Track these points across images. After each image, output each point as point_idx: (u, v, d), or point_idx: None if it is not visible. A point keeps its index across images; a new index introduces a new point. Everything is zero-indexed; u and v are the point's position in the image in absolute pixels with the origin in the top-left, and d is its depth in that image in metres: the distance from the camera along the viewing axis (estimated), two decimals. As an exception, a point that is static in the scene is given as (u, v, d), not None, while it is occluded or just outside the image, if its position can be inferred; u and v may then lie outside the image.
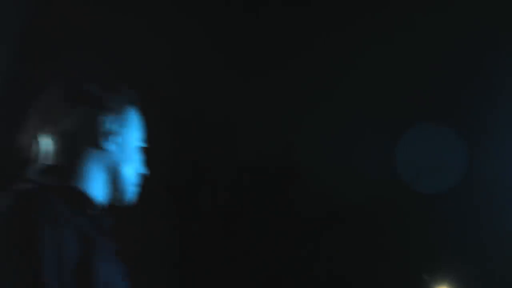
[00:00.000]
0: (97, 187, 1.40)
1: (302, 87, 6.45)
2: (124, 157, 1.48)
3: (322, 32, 6.18)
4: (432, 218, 8.20)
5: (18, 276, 1.12)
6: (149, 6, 5.46)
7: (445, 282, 8.87)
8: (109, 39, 5.38)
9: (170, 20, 5.51)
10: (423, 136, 7.27)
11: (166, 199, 6.14)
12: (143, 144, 1.56)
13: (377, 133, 7.20)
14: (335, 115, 6.72)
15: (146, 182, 1.58)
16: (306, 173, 6.35)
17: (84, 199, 1.35)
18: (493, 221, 7.82)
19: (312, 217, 7.42)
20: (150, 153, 1.59)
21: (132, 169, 1.50)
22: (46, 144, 1.45)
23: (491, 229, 7.91)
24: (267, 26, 6.00)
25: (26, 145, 1.50)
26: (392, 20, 6.46)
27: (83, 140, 1.44)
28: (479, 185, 7.62)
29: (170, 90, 5.65)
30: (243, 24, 5.87)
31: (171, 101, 5.63)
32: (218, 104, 6.33)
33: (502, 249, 7.98)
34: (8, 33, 4.69)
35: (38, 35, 5.14)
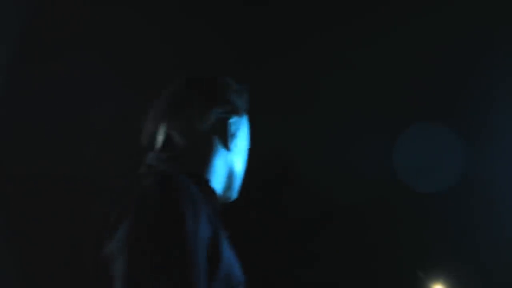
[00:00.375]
0: (216, 182, 1.45)
1: (299, 86, 6.48)
2: (239, 157, 1.55)
3: (319, 31, 6.18)
4: (428, 217, 8.22)
5: (168, 247, 1.16)
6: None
7: (440, 280, 8.90)
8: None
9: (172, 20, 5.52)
10: (420, 136, 7.28)
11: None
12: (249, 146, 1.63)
13: (374, 133, 7.21)
14: (332, 115, 6.72)
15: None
16: (301, 172, 6.37)
17: (210, 189, 1.40)
18: (488, 221, 7.85)
19: (307, 216, 7.45)
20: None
21: (241, 169, 1.57)
22: (173, 134, 1.48)
23: (485, 228, 7.95)
24: (263, 25, 6.00)
25: (153, 134, 1.53)
26: (392, 19, 6.46)
27: (211, 137, 1.48)
28: (474, 185, 7.65)
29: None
30: (238, 23, 5.88)
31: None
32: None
33: (496, 248, 8.01)
34: (8, 33, 4.72)
35: (39, 35, 5.15)
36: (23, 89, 5.55)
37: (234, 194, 1.51)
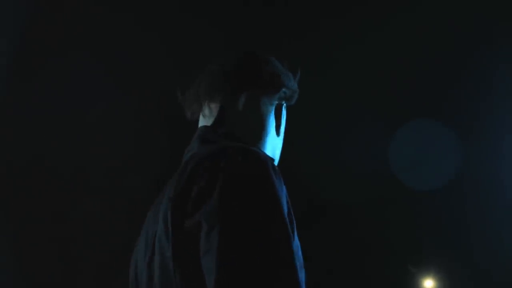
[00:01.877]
0: None
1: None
2: (281, 144, 1.53)
3: (313, 28, 6.19)
4: (419, 213, 8.22)
5: (266, 224, 1.11)
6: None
7: (430, 274, 8.95)
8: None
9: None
10: (415, 133, 7.25)
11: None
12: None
13: (367, 130, 7.18)
14: (325, 112, 6.71)
15: None
16: (293, 169, 6.40)
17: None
18: (481, 217, 7.84)
19: (298, 213, 7.47)
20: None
21: (278, 157, 1.56)
22: (229, 111, 1.47)
23: (477, 224, 7.95)
24: (259, 24, 6.00)
25: (201, 106, 1.52)
26: (386, 15, 6.43)
27: (267, 121, 1.48)
28: (468, 182, 7.62)
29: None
30: (236, 23, 5.90)
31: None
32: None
33: (488, 244, 8.03)
34: (8, 33, 4.76)
35: (38, 35, 5.19)
36: (21, 88, 5.60)
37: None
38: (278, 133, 1.51)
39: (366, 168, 7.33)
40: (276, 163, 1.46)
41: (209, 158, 1.20)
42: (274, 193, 1.14)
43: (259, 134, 1.47)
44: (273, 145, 1.50)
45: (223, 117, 1.46)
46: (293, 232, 1.18)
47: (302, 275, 1.22)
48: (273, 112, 1.51)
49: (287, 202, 1.21)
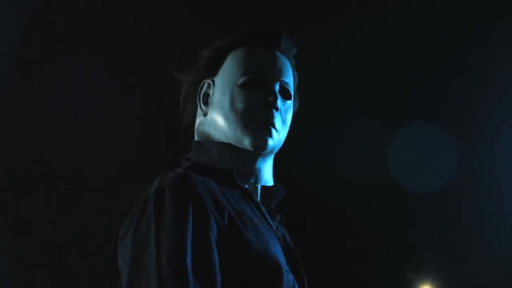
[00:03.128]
0: (221, 155, 1.36)
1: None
2: (220, 110, 1.40)
3: (312, 26, 6.17)
4: (416, 217, 8.21)
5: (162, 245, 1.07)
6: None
7: (428, 280, 8.94)
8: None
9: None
10: (412, 136, 7.24)
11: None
12: None
13: (364, 133, 7.17)
14: (321, 114, 6.70)
15: None
16: (287, 172, 6.34)
17: (222, 172, 1.30)
18: (477, 222, 7.83)
19: (293, 216, 7.45)
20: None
21: (233, 115, 1.43)
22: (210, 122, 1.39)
23: (474, 229, 7.94)
24: (256, 20, 5.97)
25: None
26: (384, 16, 6.42)
27: (195, 112, 1.43)
28: (464, 186, 7.61)
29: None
30: (235, 22, 5.90)
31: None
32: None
33: (485, 249, 8.02)
34: (8, 33, 4.75)
35: (37, 35, 5.18)
36: (21, 88, 5.59)
37: (251, 142, 1.33)
38: (203, 113, 1.41)
39: (363, 170, 7.32)
40: (232, 130, 1.34)
41: (142, 192, 1.22)
42: (180, 236, 1.09)
43: (199, 134, 1.41)
44: (211, 127, 1.38)
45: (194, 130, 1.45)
46: (241, 242, 1.15)
47: (289, 276, 1.19)
48: (197, 98, 1.43)
49: (240, 218, 1.17)
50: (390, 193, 7.51)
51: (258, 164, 1.35)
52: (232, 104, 1.34)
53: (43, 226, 6.14)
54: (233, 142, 1.33)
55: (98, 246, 6.05)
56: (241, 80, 1.36)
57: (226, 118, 1.35)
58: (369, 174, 7.28)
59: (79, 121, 5.82)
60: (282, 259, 1.20)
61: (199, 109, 1.41)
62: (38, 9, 5.09)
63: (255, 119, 1.33)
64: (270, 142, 1.33)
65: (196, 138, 1.41)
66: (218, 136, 1.35)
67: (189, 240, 1.08)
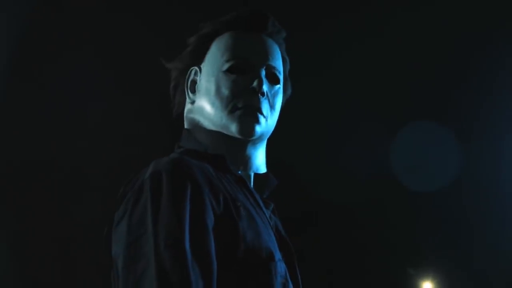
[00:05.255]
0: (208, 139, 1.33)
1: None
2: (208, 96, 1.36)
3: (314, 25, 6.15)
4: (419, 215, 8.20)
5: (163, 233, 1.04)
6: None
7: (429, 277, 8.94)
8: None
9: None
10: (415, 135, 7.23)
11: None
12: None
13: (367, 131, 7.16)
14: (324, 113, 6.69)
15: None
16: (291, 170, 6.36)
17: (214, 158, 1.26)
18: (480, 219, 7.82)
19: (296, 215, 7.48)
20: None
21: (218, 100, 1.39)
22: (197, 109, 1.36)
23: (476, 226, 7.93)
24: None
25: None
26: (387, 16, 6.40)
27: (183, 99, 1.40)
28: (467, 184, 7.60)
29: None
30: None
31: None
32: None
33: (486, 246, 8.02)
34: (8, 32, 4.76)
35: (37, 35, 5.19)
36: (21, 87, 5.60)
37: (238, 128, 1.29)
38: (190, 100, 1.37)
39: (366, 169, 7.31)
40: (218, 115, 1.31)
41: (136, 178, 1.18)
42: (178, 219, 1.05)
43: (189, 123, 1.37)
44: (200, 114, 1.34)
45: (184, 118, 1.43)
46: (235, 233, 1.11)
47: (282, 265, 1.17)
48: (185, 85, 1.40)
49: (233, 204, 1.14)
50: (393, 191, 7.50)
51: (248, 151, 1.32)
52: (218, 90, 1.31)
53: (46, 222, 6.15)
54: (220, 129, 1.30)
55: (101, 240, 6.07)
56: (226, 66, 1.32)
57: (212, 105, 1.32)
58: (374, 173, 7.27)
59: (81, 118, 5.83)
60: (274, 248, 1.18)
61: (187, 97, 1.38)
62: (39, 8, 5.10)
63: (241, 105, 1.29)
64: (258, 128, 1.29)
65: (186, 126, 1.38)
66: (207, 124, 1.32)
67: (187, 225, 1.05)
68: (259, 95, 1.30)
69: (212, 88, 1.32)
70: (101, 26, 5.49)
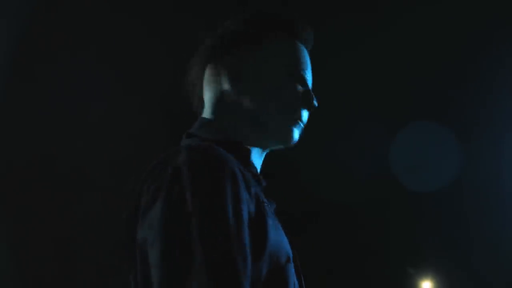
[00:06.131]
0: (239, 135, 1.27)
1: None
2: (256, 93, 1.31)
3: (315, 25, 6.15)
4: (418, 215, 8.21)
5: (208, 228, 1.00)
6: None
7: (428, 276, 8.96)
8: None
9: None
10: (415, 135, 7.23)
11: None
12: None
13: (367, 131, 7.16)
14: (324, 113, 6.70)
15: None
16: (291, 170, 6.35)
17: (247, 154, 1.24)
18: (480, 219, 7.83)
19: (297, 214, 7.48)
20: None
21: (269, 105, 1.33)
22: (205, 95, 1.32)
23: (476, 226, 7.94)
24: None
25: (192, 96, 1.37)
26: (388, 17, 6.40)
27: (216, 88, 1.32)
28: (468, 184, 7.60)
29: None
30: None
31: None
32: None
33: (487, 246, 8.02)
34: (8, 32, 4.76)
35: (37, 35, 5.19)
36: (21, 87, 5.60)
37: (285, 137, 1.28)
38: (235, 90, 1.29)
39: (366, 169, 7.32)
40: (263, 118, 1.27)
41: (160, 163, 1.11)
42: (221, 206, 1.02)
43: (219, 111, 1.30)
44: (238, 106, 1.29)
45: (201, 103, 1.35)
46: (264, 232, 1.08)
47: (290, 268, 1.14)
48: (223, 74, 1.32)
49: (259, 201, 1.12)
50: (393, 191, 7.50)
51: (264, 155, 1.32)
52: (277, 93, 1.28)
53: (46, 222, 6.15)
54: (259, 127, 1.27)
55: (102, 240, 6.08)
56: (291, 72, 1.30)
57: (263, 103, 1.28)
58: (374, 173, 7.28)
59: (82, 117, 5.83)
60: (289, 248, 1.17)
61: (223, 83, 1.31)
62: (39, 7, 5.10)
63: (297, 117, 1.29)
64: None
65: (209, 114, 1.31)
66: (244, 117, 1.27)
67: (230, 219, 1.02)
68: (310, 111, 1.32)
69: (270, 88, 1.28)
70: (101, 26, 5.50)
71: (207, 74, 1.33)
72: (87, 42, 5.53)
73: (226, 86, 1.30)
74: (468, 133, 7.17)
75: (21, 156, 5.84)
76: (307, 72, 1.33)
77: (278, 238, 1.13)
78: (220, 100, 1.30)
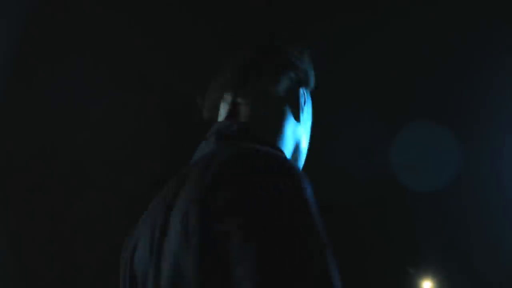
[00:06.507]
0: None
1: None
2: (306, 131, 1.41)
3: (313, 25, 6.17)
4: (418, 214, 8.22)
5: (302, 239, 1.00)
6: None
7: (429, 275, 8.95)
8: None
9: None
10: (415, 135, 7.24)
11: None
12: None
13: (367, 131, 7.18)
14: (324, 113, 6.70)
15: None
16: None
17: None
18: (480, 219, 7.83)
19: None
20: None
21: (306, 146, 1.43)
22: (241, 103, 1.34)
23: (476, 226, 7.94)
24: (256, 19, 5.99)
25: (216, 104, 1.38)
26: (387, 15, 6.41)
27: (283, 107, 1.35)
28: (467, 183, 7.60)
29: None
30: (232, 23, 5.90)
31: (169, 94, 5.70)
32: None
33: (487, 246, 8.02)
34: (8, 32, 4.77)
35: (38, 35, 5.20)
36: (21, 86, 5.61)
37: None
38: (298, 119, 1.38)
39: (366, 169, 7.33)
40: (302, 154, 1.42)
41: (236, 162, 1.09)
42: (308, 208, 1.06)
43: (274, 124, 1.34)
44: (295, 134, 1.38)
45: (233, 110, 1.36)
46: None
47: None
48: (290, 97, 1.40)
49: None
50: (393, 191, 7.51)
51: None
52: (309, 133, 1.47)
53: (47, 220, 6.16)
54: (297, 154, 1.42)
55: (102, 239, 6.08)
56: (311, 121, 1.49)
57: (306, 137, 1.43)
58: (374, 173, 7.28)
59: (82, 116, 5.84)
60: None
61: (291, 111, 1.38)
62: (39, 7, 5.11)
63: (301, 162, 1.48)
64: None
65: (257, 127, 1.33)
66: (293, 142, 1.39)
67: (324, 238, 1.05)
68: None
69: (309, 126, 1.49)
70: (101, 26, 5.50)
71: (266, 89, 1.36)
72: (87, 42, 5.53)
73: (292, 110, 1.39)
74: (468, 133, 7.17)
75: (21, 156, 5.84)
76: None
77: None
78: (281, 119, 1.36)
